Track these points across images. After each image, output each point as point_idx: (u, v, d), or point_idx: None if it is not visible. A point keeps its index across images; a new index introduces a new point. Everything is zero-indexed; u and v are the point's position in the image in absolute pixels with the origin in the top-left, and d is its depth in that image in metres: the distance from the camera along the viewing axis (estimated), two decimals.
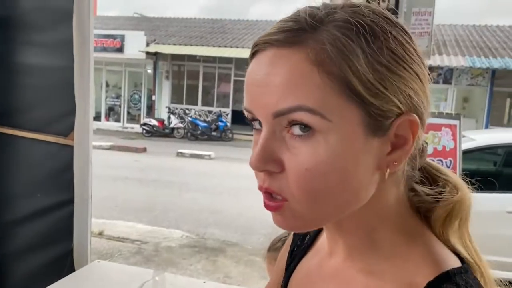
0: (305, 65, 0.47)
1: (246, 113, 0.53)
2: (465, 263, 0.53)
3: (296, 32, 0.48)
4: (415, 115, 0.50)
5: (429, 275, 0.49)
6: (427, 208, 0.57)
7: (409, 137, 0.50)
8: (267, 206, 0.52)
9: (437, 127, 3.46)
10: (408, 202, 0.57)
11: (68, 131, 1.80)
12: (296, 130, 0.48)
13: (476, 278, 0.52)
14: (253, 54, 0.52)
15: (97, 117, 17.56)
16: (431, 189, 0.58)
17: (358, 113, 0.48)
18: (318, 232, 0.69)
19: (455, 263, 0.52)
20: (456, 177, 0.59)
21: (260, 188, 0.52)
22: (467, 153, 4.02)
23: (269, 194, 0.51)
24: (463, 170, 3.36)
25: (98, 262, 1.90)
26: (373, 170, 0.50)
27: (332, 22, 0.49)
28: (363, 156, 0.49)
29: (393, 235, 0.55)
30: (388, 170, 0.51)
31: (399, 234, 0.55)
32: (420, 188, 0.58)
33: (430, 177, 0.59)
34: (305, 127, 0.48)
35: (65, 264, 1.85)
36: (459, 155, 3.41)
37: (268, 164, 0.49)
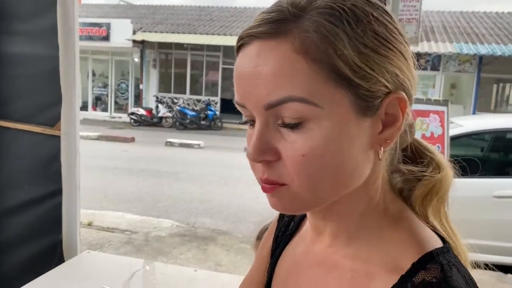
0: (292, 54, 0.47)
1: (239, 108, 0.54)
2: (447, 243, 0.55)
3: (280, 23, 0.49)
4: (402, 93, 0.52)
5: (413, 257, 0.50)
6: (409, 187, 0.59)
7: (398, 115, 0.52)
8: (264, 189, 0.53)
9: (425, 114, 3.49)
10: (390, 184, 0.59)
11: (54, 121, 1.78)
12: (289, 120, 0.49)
13: (457, 257, 0.53)
14: (239, 48, 0.53)
15: (84, 107, 17.38)
16: (415, 166, 0.59)
17: (348, 97, 0.49)
18: (302, 218, 0.70)
19: (437, 243, 0.53)
20: (441, 156, 0.61)
21: (259, 179, 0.53)
22: (454, 139, 4.07)
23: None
24: (451, 156, 3.40)
25: (88, 252, 1.89)
26: (367, 150, 0.52)
27: (314, 10, 0.49)
28: (357, 138, 0.50)
29: (379, 219, 0.56)
30: (382, 148, 0.53)
31: (384, 217, 0.56)
32: (405, 168, 0.60)
33: (417, 154, 0.61)
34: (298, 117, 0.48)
35: (55, 255, 1.84)
36: (447, 141, 3.44)
37: (265, 154, 0.51)
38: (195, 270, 1.78)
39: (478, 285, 0.51)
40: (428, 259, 0.50)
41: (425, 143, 0.62)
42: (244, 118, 0.55)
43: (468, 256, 0.59)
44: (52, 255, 1.84)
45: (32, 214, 1.82)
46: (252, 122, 0.53)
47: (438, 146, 3.46)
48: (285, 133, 0.50)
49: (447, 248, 0.53)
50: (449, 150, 3.40)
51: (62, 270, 1.71)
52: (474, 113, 14.29)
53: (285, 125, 0.50)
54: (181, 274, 1.73)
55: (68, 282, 1.61)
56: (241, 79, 0.51)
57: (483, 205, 4.10)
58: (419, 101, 3.52)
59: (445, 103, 3.56)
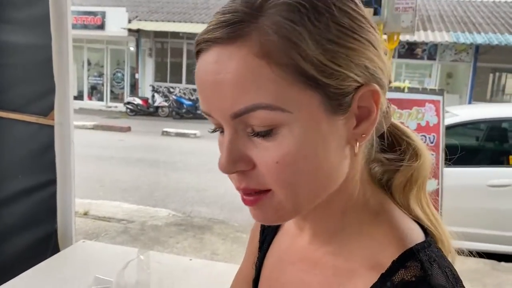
0: (253, 60, 0.45)
1: (206, 116, 0.51)
2: (429, 235, 0.53)
3: (236, 26, 0.45)
4: (374, 85, 0.49)
5: (394, 254, 0.49)
6: (389, 177, 0.58)
7: (372, 107, 0.50)
8: (245, 201, 0.51)
9: (420, 103, 3.49)
10: (370, 175, 0.57)
11: (48, 110, 1.77)
12: (258, 128, 0.47)
13: (439, 250, 0.52)
14: (197, 53, 0.49)
15: (79, 96, 17.30)
16: (393, 154, 0.58)
17: (317, 97, 0.46)
18: None
19: (418, 237, 0.52)
20: (418, 140, 0.58)
21: (237, 188, 0.51)
22: (450, 128, 4.08)
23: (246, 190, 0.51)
24: (446, 145, 3.41)
25: (83, 242, 1.90)
26: (343, 147, 0.50)
27: (272, 8, 0.45)
28: (331, 138, 0.48)
29: (360, 215, 0.55)
30: (357, 144, 0.51)
31: (364, 212, 0.55)
32: (382, 156, 0.58)
33: (394, 139, 0.59)
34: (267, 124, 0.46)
35: (50, 245, 1.84)
36: (442, 130, 3.45)
37: (238, 165, 0.49)
38: (191, 259, 1.79)
39: (461, 278, 0.50)
40: (408, 256, 0.49)
41: (402, 127, 0.59)
42: (213, 127, 0.52)
43: (451, 243, 0.58)
44: (47, 244, 1.84)
45: (27, 204, 1.81)
46: (222, 130, 0.51)
47: (434, 136, 3.47)
48: (256, 141, 0.48)
49: (428, 242, 0.52)
50: (444, 139, 3.42)
51: (57, 260, 1.71)
52: (470, 102, 14.31)
53: (256, 134, 0.47)
54: (176, 263, 1.74)
55: (62, 271, 1.61)
56: (203, 89, 0.48)
57: (478, 194, 4.13)
58: (415, 90, 3.52)
59: (440, 92, 3.56)
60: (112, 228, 4.77)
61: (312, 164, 0.48)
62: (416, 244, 0.50)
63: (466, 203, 4.04)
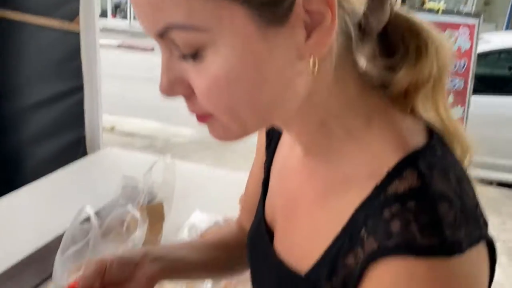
0: None
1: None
2: (435, 135, 0.46)
3: None
4: None
5: (389, 161, 0.44)
6: (387, 82, 0.49)
7: (325, 10, 0.39)
8: (197, 118, 0.49)
9: (455, 26, 3.34)
10: (361, 77, 0.49)
11: (73, 15, 1.76)
12: (184, 50, 0.41)
13: (444, 148, 0.46)
14: None
15: (103, 15, 17.10)
16: (389, 59, 0.49)
17: (240, 9, 0.39)
18: None
19: (419, 139, 0.45)
20: (428, 30, 0.48)
21: (188, 109, 0.48)
22: (481, 55, 3.93)
23: None
24: (477, 74, 3.31)
25: (110, 149, 1.96)
26: (293, 65, 0.43)
27: None
28: (270, 55, 0.41)
29: (346, 121, 0.49)
30: (312, 58, 0.43)
31: (353, 117, 0.49)
32: (380, 63, 0.49)
33: (398, 33, 0.49)
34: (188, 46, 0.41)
35: (79, 149, 1.91)
36: (474, 57, 3.32)
37: (176, 88, 0.45)
38: (213, 169, 1.84)
39: (468, 175, 0.44)
40: (405, 164, 0.43)
41: (407, 16, 0.48)
42: None
43: (470, 146, 0.51)
44: (76, 149, 1.91)
45: (55, 109, 1.86)
46: None
47: (464, 61, 3.35)
48: (190, 64, 0.43)
49: (431, 145, 0.45)
50: (475, 67, 3.30)
51: (86, 162, 1.79)
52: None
53: (184, 56, 0.42)
54: (199, 171, 1.81)
55: (91, 173, 1.69)
56: (132, 6, 0.43)
57: (505, 123, 4.06)
58: (449, 12, 3.36)
59: (477, 15, 3.39)
60: (137, 143, 4.91)
61: (250, 85, 0.42)
62: (414, 151, 0.44)
63: (492, 132, 3.98)
